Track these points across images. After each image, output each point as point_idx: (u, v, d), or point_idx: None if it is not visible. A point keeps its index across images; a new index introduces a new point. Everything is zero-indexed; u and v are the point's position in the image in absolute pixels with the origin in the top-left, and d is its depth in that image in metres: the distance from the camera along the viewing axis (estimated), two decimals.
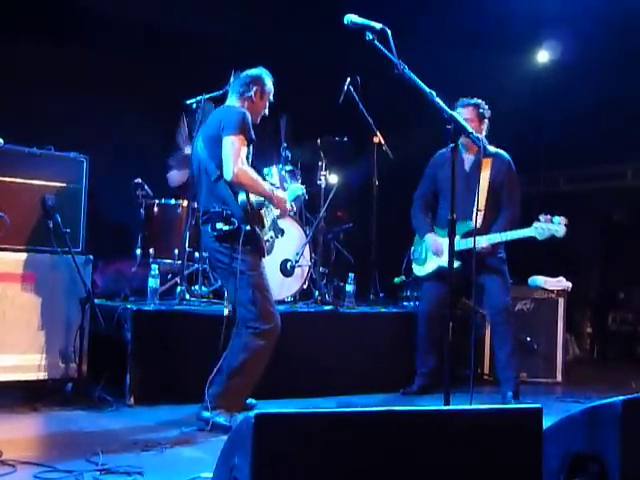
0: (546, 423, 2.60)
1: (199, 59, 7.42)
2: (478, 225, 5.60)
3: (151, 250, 6.27)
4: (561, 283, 7.16)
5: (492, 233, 5.64)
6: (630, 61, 8.37)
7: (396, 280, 7.00)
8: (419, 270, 6.14)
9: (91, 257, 5.40)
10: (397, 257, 7.09)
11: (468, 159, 5.90)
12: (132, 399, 5.16)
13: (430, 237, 5.93)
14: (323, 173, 6.84)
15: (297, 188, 5.38)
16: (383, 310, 6.62)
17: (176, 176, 6.94)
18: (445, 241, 5.60)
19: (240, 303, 4.58)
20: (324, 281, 6.88)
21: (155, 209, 6.43)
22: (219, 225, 4.53)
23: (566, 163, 9.44)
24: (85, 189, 5.47)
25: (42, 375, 5.14)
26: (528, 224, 5.51)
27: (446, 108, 3.70)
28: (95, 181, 5.58)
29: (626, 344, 9.46)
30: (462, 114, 5.63)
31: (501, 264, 5.81)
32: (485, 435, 2.43)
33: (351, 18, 3.80)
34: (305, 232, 6.50)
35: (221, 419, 4.44)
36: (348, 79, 6.76)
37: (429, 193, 6.09)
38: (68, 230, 5.23)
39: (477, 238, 5.51)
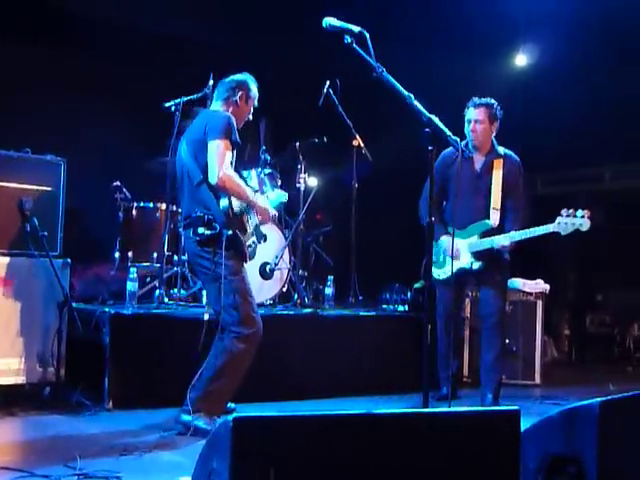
0: (524, 425, 2.61)
1: (178, 62, 7.41)
2: (495, 224, 5.59)
3: (130, 253, 6.26)
4: (539, 286, 7.20)
5: (508, 231, 5.54)
6: (608, 65, 8.44)
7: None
8: (440, 273, 5.84)
9: (69, 260, 5.37)
10: (378, 260, 7.11)
11: (478, 160, 5.76)
12: (110, 403, 5.14)
13: (446, 240, 5.65)
14: (302, 176, 6.85)
15: (280, 195, 5.37)
16: (362, 313, 6.62)
17: None
18: (461, 242, 5.61)
19: (222, 308, 4.57)
20: (303, 284, 6.89)
21: (134, 212, 6.42)
22: (201, 230, 4.53)
23: (544, 166, 9.51)
24: (63, 192, 5.43)
25: (20, 379, 5.10)
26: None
27: (424, 111, 3.70)
28: (73, 184, 5.54)
29: (604, 346, 9.54)
30: (473, 115, 5.65)
31: (505, 267, 5.74)
32: (463, 437, 2.44)
33: (329, 21, 3.79)
34: (284, 235, 6.50)
35: (201, 423, 4.41)
36: (327, 82, 6.77)
37: (439, 192, 5.79)
38: (45, 233, 5.19)
39: (497, 237, 5.50)
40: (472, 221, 5.60)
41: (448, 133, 3.79)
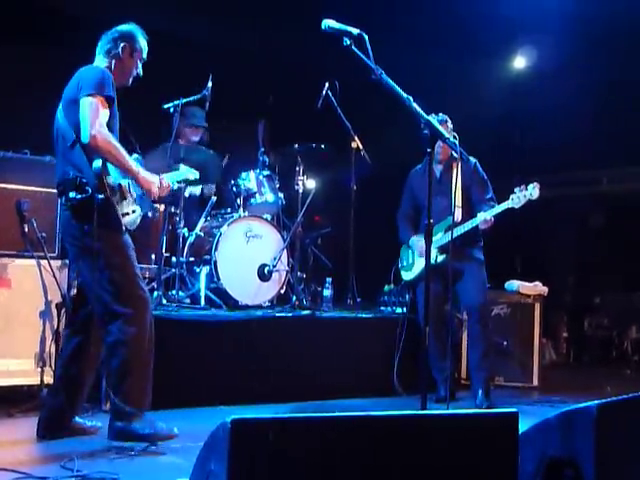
0: (522, 427, 2.61)
1: (177, 63, 7.39)
2: (458, 219, 5.71)
3: None
4: (537, 288, 7.20)
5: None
6: (605, 68, 8.44)
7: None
8: (407, 275, 6.24)
9: (67, 261, 5.36)
10: (376, 262, 7.11)
11: (438, 168, 6.02)
12: (108, 404, 5.11)
13: (414, 239, 6.05)
14: (301, 178, 6.85)
15: (188, 171, 4.89)
16: (361, 315, 6.62)
17: None
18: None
19: (99, 287, 4.08)
20: (301, 286, 6.88)
21: None
22: (72, 194, 4.04)
23: (542, 169, 9.50)
24: None
25: (17, 381, 5.10)
26: None
27: (423, 113, 3.71)
28: None
29: (602, 348, 9.55)
30: None
31: (480, 266, 5.88)
32: (461, 440, 2.44)
33: (328, 23, 3.80)
34: (283, 237, 6.50)
35: (136, 427, 4.10)
36: (327, 84, 6.76)
37: (410, 209, 6.23)
38: (44, 234, 5.20)
39: (479, 214, 5.67)
40: (438, 221, 5.69)
41: (446, 136, 3.82)
